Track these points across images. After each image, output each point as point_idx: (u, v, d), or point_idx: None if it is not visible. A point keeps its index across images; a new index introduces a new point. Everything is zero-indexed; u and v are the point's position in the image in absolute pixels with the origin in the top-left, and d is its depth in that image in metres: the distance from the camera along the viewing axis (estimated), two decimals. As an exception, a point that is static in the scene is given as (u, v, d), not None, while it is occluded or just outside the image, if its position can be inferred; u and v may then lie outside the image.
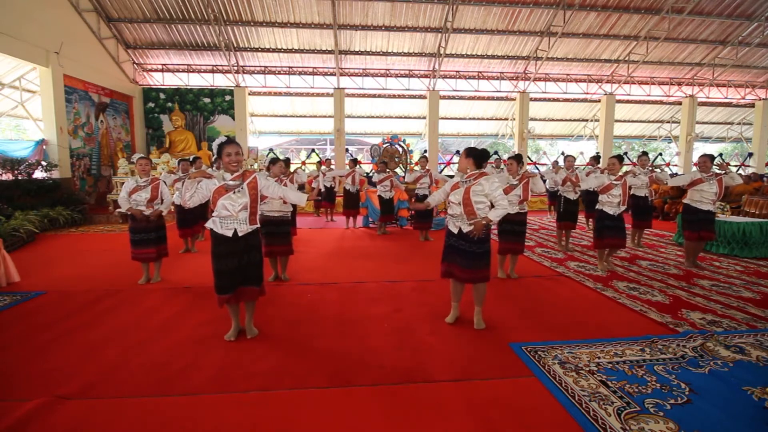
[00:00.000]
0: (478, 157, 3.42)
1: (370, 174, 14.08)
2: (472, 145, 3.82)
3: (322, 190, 10.48)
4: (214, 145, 3.24)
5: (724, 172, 5.49)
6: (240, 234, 3.17)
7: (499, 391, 2.58)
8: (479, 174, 3.40)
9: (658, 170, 5.55)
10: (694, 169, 5.73)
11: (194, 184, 3.16)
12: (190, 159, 6.85)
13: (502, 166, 10.59)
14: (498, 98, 15.70)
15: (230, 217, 3.15)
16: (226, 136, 3.43)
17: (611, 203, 5.18)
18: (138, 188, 4.69)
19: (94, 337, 3.40)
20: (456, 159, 15.46)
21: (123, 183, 10.24)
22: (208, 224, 3.22)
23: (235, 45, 13.13)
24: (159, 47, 13.07)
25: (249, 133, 14.57)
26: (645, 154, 6.97)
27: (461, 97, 15.52)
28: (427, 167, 7.66)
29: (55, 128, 9.60)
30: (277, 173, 4.92)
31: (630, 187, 6.45)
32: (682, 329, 3.48)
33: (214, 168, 8.08)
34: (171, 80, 14.18)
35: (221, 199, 3.10)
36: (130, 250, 4.84)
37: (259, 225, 3.33)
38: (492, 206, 3.39)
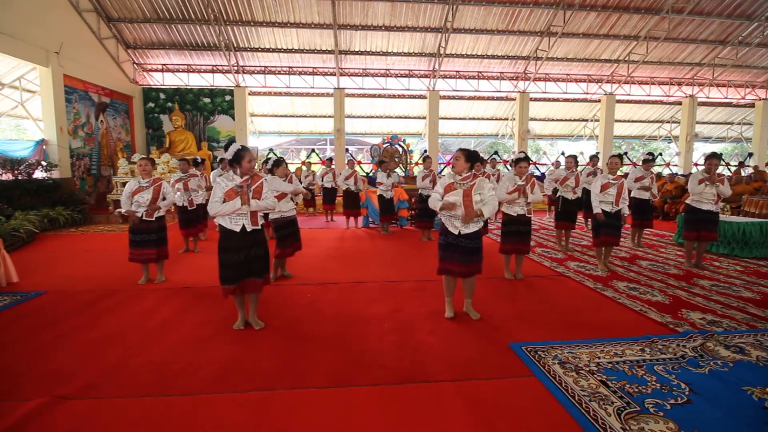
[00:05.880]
0: (474, 158, 3.63)
1: (371, 174, 14.12)
2: (472, 146, 3.89)
3: (312, 186, 10.83)
4: (232, 148, 3.37)
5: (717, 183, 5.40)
6: (248, 230, 3.39)
7: (499, 391, 2.58)
8: (473, 175, 3.62)
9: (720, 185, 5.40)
10: (694, 170, 5.69)
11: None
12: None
13: (498, 166, 10.63)
14: (498, 98, 15.70)
15: (239, 215, 3.37)
16: (233, 139, 3.57)
17: (606, 201, 5.25)
18: (140, 189, 4.67)
19: (94, 337, 3.40)
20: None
21: (123, 183, 10.36)
22: (217, 219, 3.39)
23: (235, 45, 13.12)
24: (159, 47, 13.07)
25: (249, 133, 14.57)
26: (651, 158, 6.96)
27: (461, 97, 15.52)
28: (431, 167, 7.65)
29: (55, 128, 9.60)
30: (282, 174, 4.98)
31: (630, 190, 6.47)
32: (682, 329, 3.48)
33: (219, 168, 8.09)
34: (171, 80, 14.18)
35: (230, 201, 3.30)
36: (128, 251, 4.81)
37: (260, 226, 3.51)
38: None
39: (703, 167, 5.52)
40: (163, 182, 4.84)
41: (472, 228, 3.61)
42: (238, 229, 3.35)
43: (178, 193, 6.34)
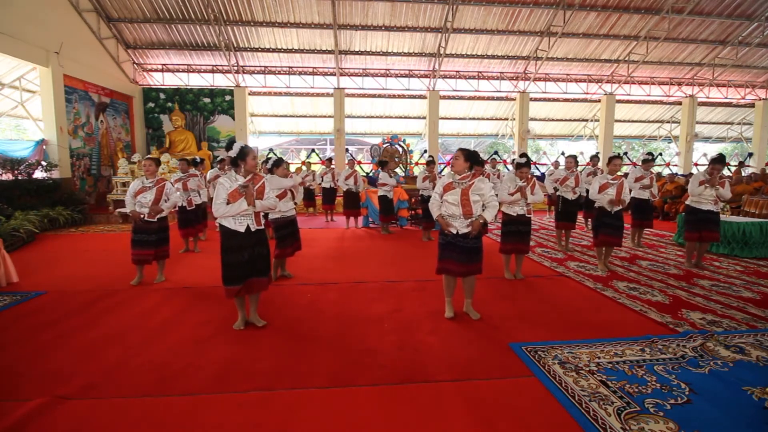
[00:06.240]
0: (473, 159, 3.61)
1: (371, 174, 14.13)
2: (472, 146, 3.91)
3: (312, 186, 10.92)
4: (237, 145, 3.37)
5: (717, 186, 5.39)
6: (252, 230, 3.41)
7: (499, 391, 2.58)
8: (473, 175, 3.61)
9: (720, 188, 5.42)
10: (694, 170, 5.67)
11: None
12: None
13: (498, 166, 10.65)
14: (498, 98, 15.70)
15: (244, 216, 3.38)
16: (233, 139, 3.58)
17: (605, 201, 5.24)
18: (143, 189, 4.68)
19: (94, 337, 3.40)
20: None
21: (123, 183, 10.35)
22: (220, 220, 3.39)
23: (235, 45, 13.12)
24: (159, 47, 13.06)
25: (249, 133, 14.57)
26: (651, 158, 6.96)
27: (461, 97, 15.52)
28: (433, 171, 7.62)
29: (55, 128, 9.60)
30: (282, 174, 4.98)
31: (631, 190, 6.47)
32: (682, 329, 3.48)
33: (217, 168, 8.08)
34: (171, 80, 14.18)
35: (236, 203, 3.30)
36: (130, 251, 4.79)
37: (263, 226, 3.51)
38: (484, 206, 3.62)
39: (704, 167, 5.50)
40: (166, 183, 4.84)
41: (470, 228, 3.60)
42: (242, 229, 3.36)
43: (177, 192, 6.33)
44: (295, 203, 5.06)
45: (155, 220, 4.76)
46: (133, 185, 4.72)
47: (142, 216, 4.67)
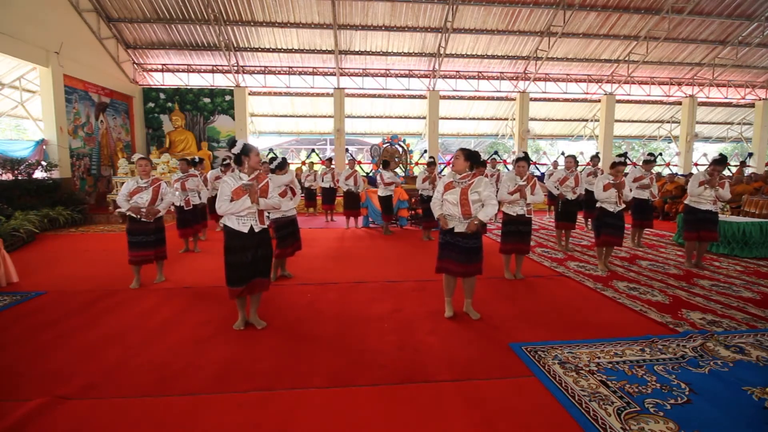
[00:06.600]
0: (473, 158, 3.62)
1: (371, 174, 14.14)
2: (472, 146, 3.92)
3: (313, 186, 10.99)
4: (240, 143, 3.36)
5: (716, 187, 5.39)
6: (256, 230, 3.37)
7: (499, 391, 2.58)
8: (473, 174, 3.62)
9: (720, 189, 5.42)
10: (694, 170, 5.67)
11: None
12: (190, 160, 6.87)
13: (498, 166, 10.65)
14: (498, 98, 15.70)
15: (248, 215, 3.37)
16: (234, 138, 3.58)
17: (609, 200, 5.24)
18: (139, 189, 4.63)
19: (94, 337, 3.40)
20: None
21: (123, 183, 10.32)
22: (223, 220, 3.39)
23: (235, 45, 13.12)
24: (159, 47, 13.06)
25: (249, 133, 14.57)
26: (652, 159, 6.95)
27: (461, 97, 15.52)
28: (434, 173, 7.61)
29: (55, 128, 9.60)
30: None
31: (631, 190, 6.47)
32: (682, 329, 3.48)
33: (219, 169, 8.07)
34: (171, 80, 14.17)
35: (239, 200, 3.28)
36: (127, 253, 4.72)
37: (266, 225, 3.51)
38: (482, 206, 3.61)
39: (705, 167, 5.50)
40: (162, 183, 4.79)
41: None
42: (246, 230, 3.35)
43: (176, 192, 6.30)
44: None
45: (152, 221, 4.72)
46: (127, 185, 4.62)
47: (141, 214, 4.59)
